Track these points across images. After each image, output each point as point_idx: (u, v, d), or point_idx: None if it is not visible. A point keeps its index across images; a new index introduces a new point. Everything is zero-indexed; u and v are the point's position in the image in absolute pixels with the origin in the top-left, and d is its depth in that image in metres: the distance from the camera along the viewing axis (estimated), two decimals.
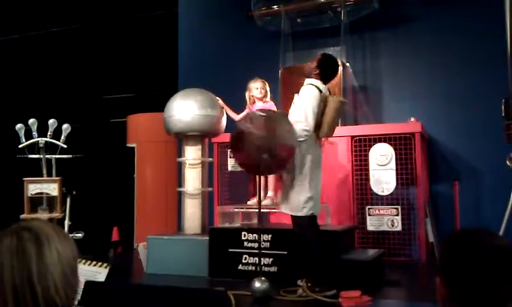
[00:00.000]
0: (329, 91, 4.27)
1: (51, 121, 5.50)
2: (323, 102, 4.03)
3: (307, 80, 4.19)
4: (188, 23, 7.76)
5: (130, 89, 9.79)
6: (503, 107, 4.52)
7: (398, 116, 6.04)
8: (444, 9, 6.16)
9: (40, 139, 5.45)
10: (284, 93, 6.13)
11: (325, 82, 4.18)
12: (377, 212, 5.37)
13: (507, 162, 4.46)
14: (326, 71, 4.21)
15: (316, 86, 4.09)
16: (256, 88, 5.14)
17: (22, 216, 4.97)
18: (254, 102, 5.21)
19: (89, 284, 2.63)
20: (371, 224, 5.37)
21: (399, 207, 5.30)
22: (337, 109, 4.06)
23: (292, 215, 4.08)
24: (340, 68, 6.07)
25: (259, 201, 4.14)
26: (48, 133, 5.49)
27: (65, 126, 5.57)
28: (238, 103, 5.32)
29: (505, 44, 4.75)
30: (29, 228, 1.21)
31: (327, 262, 3.93)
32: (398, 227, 5.28)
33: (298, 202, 4.00)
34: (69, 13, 9.35)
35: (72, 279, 1.22)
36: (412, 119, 5.73)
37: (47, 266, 1.16)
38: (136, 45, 9.35)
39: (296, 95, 4.25)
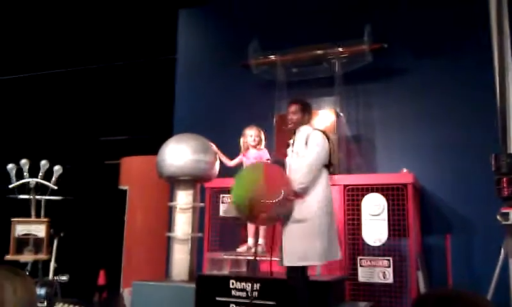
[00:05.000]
0: None
1: (43, 162, 5.50)
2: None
3: (306, 128, 4.26)
4: (185, 69, 7.87)
5: (126, 131, 9.85)
6: (493, 161, 4.54)
7: (390, 166, 6.06)
8: (435, 62, 6.29)
9: (30, 179, 5.44)
10: (278, 140, 6.16)
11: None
12: (368, 263, 5.29)
13: (498, 217, 4.45)
14: (310, 113, 4.46)
15: (321, 131, 4.28)
16: (250, 135, 5.20)
17: (7, 257, 4.90)
18: (248, 149, 5.24)
19: None
20: (362, 276, 5.28)
21: (391, 259, 5.23)
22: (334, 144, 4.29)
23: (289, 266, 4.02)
24: (334, 118, 6.16)
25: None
26: (40, 174, 5.48)
27: (57, 167, 5.56)
28: (232, 150, 5.34)
29: (495, 96, 4.86)
30: None
31: None
32: (389, 279, 5.19)
33: (314, 250, 3.97)
34: (66, 56, 9.50)
35: None
36: (404, 170, 5.74)
37: None
38: (133, 88, 9.48)
39: (290, 141, 4.30)
